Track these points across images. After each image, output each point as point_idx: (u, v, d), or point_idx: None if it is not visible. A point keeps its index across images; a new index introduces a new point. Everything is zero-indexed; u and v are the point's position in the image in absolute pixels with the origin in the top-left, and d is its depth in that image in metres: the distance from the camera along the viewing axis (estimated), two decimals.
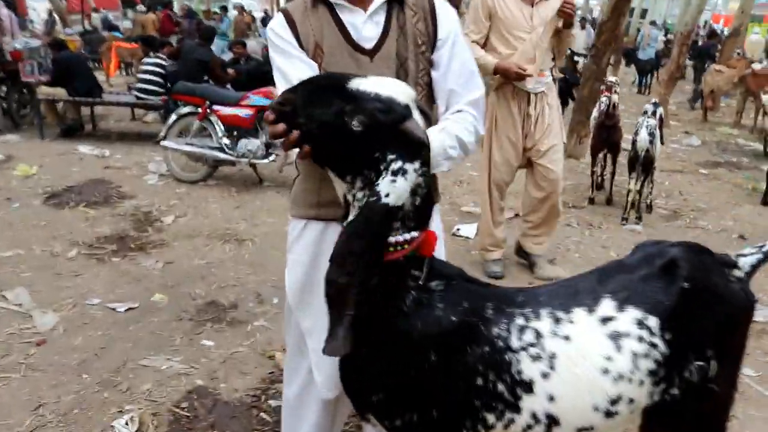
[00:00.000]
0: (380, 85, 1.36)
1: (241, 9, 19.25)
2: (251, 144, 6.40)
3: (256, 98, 6.52)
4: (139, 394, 2.89)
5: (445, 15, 1.83)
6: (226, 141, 6.43)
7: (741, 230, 5.83)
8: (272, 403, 2.86)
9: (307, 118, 1.37)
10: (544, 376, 1.47)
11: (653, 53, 17.04)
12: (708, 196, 6.95)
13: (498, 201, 4.35)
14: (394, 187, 1.33)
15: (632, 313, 1.53)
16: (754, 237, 5.65)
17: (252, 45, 12.61)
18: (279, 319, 3.64)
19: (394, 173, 1.33)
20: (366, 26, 1.77)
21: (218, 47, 12.44)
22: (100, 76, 11.13)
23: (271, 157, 6.48)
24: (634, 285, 1.59)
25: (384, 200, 1.32)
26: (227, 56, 11.18)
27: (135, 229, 5.04)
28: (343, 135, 1.34)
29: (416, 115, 1.38)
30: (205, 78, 8.48)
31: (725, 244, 5.44)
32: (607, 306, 1.55)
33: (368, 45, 1.77)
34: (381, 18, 1.78)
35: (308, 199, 1.87)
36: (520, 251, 4.60)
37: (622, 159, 6.44)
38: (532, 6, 3.89)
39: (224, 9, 18.59)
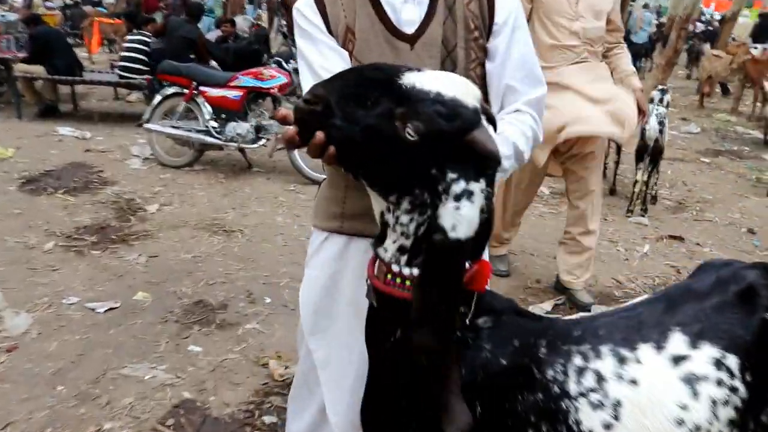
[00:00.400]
0: (441, 81, 1.06)
1: None
2: (240, 127, 6.08)
3: (245, 79, 6.21)
4: (120, 409, 2.62)
5: None
6: (213, 124, 6.11)
7: (749, 223, 5.65)
8: (267, 419, 2.60)
9: (344, 120, 1.07)
10: (607, 427, 1.23)
11: (646, 37, 16.79)
12: (712, 187, 6.75)
13: (516, 202, 3.95)
14: (460, 216, 1.03)
15: (708, 351, 1.29)
16: (764, 231, 5.48)
17: (240, 23, 12.21)
18: (271, 321, 3.40)
19: (458, 197, 1.04)
20: (407, 7, 1.48)
21: (204, 25, 12.03)
22: (81, 53, 10.74)
23: (261, 142, 6.18)
24: (707, 316, 1.35)
25: (452, 236, 1.03)
26: (214, 34, 10.80)
27: (117, 219, 4.73)
28: (391, 144, 1.05)
29: (485, 121, 1.09)
30: (192, 56, 8.12)
31: (734, 239, 5.26)
32: (677, 342, 1.31)
33: (409, 29, 1.48)
34: None
35: (331, 210, 1.61)
36: (559, 284, 3.94)
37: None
38: None
39: None
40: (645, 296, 1.48)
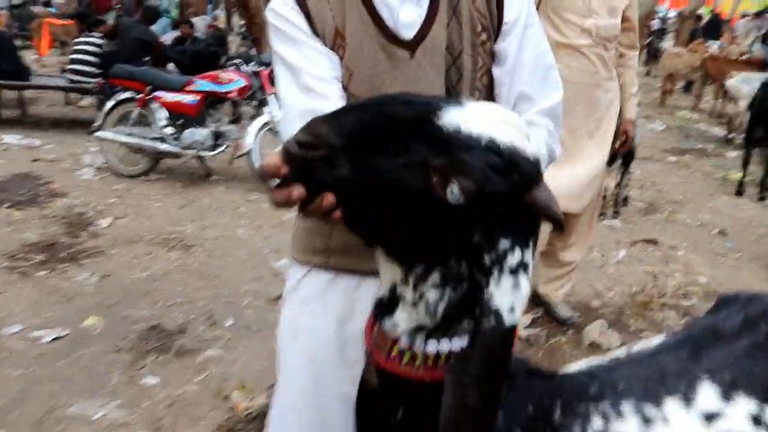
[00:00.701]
0: (493, 122, 0.81)
1: None
2: (198, 134, 5.79)
3: (202, 83, 5.92)
4: None
5: None
6: (169, 130, 5.81)
7: (720, 224, 5.60)
8: None
9: (355, 172, 0.81)
10: None
11: None
12: (682, 187, 6.71)
13: None
14: (520, 296, 0.82)
15: (744, 405, 1.12)
16: (735, 231, 5.43)
17: (197, 23, 11.84)
18: (234, 345, 3.16)
19: (514, 271, 0.82)
20: (405, 7, 1.26)
21: (160, 26, 11.65)
22: (31, 56, 10.28)
23: (221, 149, 5.90)
24: (738, 361, 1.18)
25: (509, 320, 0.82)
26: (171, 36, 10.43)
27: (66, 235, 4.42)
28: (424, 206, 0.81)
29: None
30: (147, 59, 7.77)
31: (707, 241, 5.19)
32: (708, 394, 1.13)
33: (408, 34, 1.26)
34: None
35: (313, 242, 1.38)
36: (536, 297, 3.60)
37: None
38: None
39: None
40: (664, 337, 1.29)
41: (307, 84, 1.22)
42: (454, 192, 0.78)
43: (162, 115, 5.83)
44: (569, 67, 3.03)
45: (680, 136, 9.50)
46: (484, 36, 1.29)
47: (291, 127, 1.22)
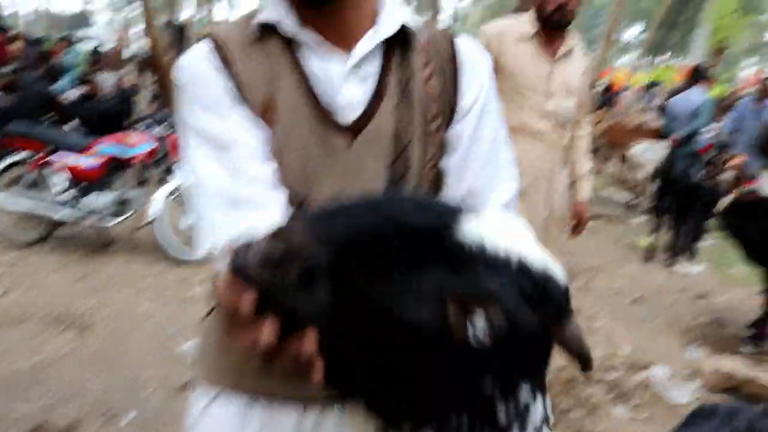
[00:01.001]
0: (519, 238, 0.62)
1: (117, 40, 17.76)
2: (100, 199, 5.39)
3: (106, 146, 5.53)
4: None
5: (473, 65, 1.13)
6: (67, 196, 5.37)
7: (635, 290, 5.69)
8: None
9: (342, 297, 0.58)
10: None
11: None
12: (596, 253, 6.82)
13: None
14: None
15: None
16: (649, 298, 5.53)
17: (103, 80, 11.39)
18: None
19: (538, 429, 0.63)
20: (348, 83, 1.05)
21: (67, 80, 11.14)
22: None
23: (125, 215, 5.49)
24: None
25: None
26: (77, 91, 9.95)
27: None
28: (432, 347, 0.59)
29: None
30: (48, 116, 7.32)
31: (624, 309, 5.25)
32: None
33: (347, 117, 1.05)
34: (372, 69, 1.07)
35: (226, 359, 1.12)
36: None
37: None
38: (553, 63, 2.94)
39: (64, 39, 16.54)
40: None
41: (236, 163, 0.99)
42: (478, 332, 0.57)
43: (60, 179, 5.40)
44: (527, 153, 2.86)
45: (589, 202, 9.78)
46: (436, 123, 1.10)
47: (215, 219, 0.99)
